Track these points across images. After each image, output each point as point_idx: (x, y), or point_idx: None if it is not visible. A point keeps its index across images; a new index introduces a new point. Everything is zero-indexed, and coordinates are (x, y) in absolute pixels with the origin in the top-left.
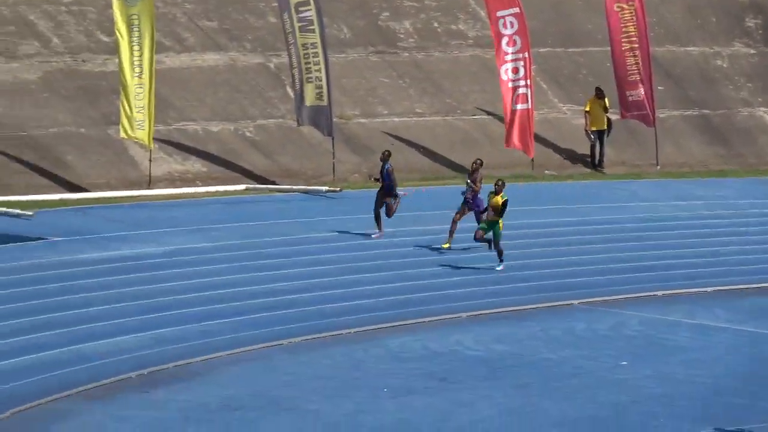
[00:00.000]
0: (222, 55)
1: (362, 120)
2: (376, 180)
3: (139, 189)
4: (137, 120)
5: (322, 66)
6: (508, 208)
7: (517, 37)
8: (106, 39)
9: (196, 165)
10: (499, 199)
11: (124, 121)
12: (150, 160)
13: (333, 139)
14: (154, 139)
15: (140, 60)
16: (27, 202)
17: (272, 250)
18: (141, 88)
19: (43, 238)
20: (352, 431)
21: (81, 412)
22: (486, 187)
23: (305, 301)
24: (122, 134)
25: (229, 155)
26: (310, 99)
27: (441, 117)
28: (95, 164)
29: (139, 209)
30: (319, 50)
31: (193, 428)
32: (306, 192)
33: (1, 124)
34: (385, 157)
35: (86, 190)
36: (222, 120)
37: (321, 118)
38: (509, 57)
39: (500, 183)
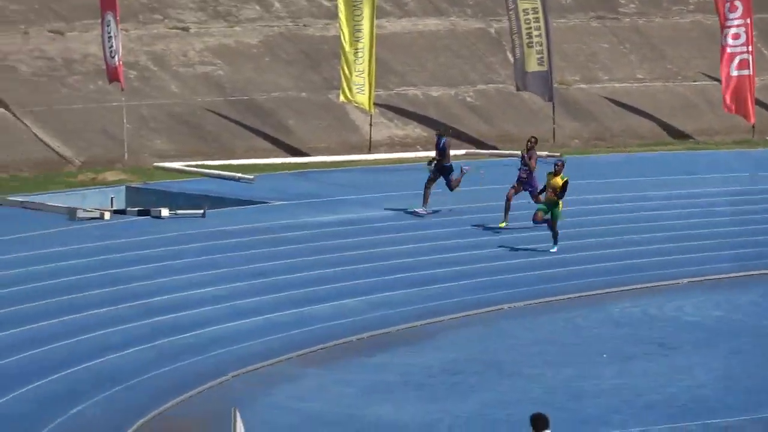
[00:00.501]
0: (443, 20)
1: (582, 85)
2: (433, 161)
3: (359, 153)
4: (357, 84)
5: (543, 31)
6: (568, 189)
7: (738, 3)
8: (327, 3)
9: (416, 130)
10: (559, 180)
11: (345, 85)
12: (370, 125)
13: (553, 104)
14: (374, 103)
15: (360, 25)
16: (249, 165)
17: (492, 216)
18: (361, 52)
19: (264, 202)
20: (571, 396)
21: (302, 375)
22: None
23: (526, 266)
24: (342, 99)
25: (449, 120)
26: (530, 64)
27: (662, 83)
28: (316, 128)
29: (359, 173)
30: (540, 15)
31: (414, 392)
32: None
33: (224, 88)
34: (442, 132)
35: (307, 155)
36: (442, 85)
37: (541, 83)
38: (730, 23)
39: (560, 163)
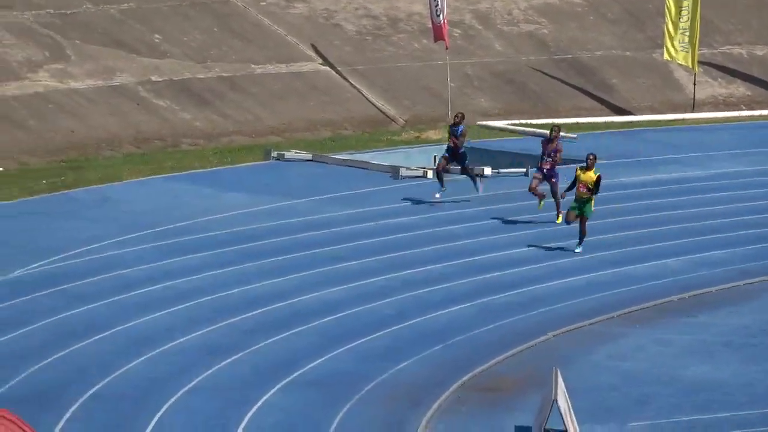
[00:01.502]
0: None
1: None
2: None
3: (683, 112)
4: (682, 43)
5: None
6: (601, 185)
7: None
8: None
9: (740, 89)
10: (592, 175)
11: (669, 44)
12: (694, 84)
13: None
14: (698, 62)
15: None
16: (572, 124)
17: None
18: (686, 10)
19: None
20: None
21: (623, 334)
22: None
23: None
24: (666, 57)
25: None
26: None
27: None
28: (640, 87)
29: (682, 133)
30: None
31: (734, 353)
32: None
33: (549, 46)
34: (459, 119)
35: (631, 114)
36: (767, 43)
37: None
38: None
39: (592, 157)
